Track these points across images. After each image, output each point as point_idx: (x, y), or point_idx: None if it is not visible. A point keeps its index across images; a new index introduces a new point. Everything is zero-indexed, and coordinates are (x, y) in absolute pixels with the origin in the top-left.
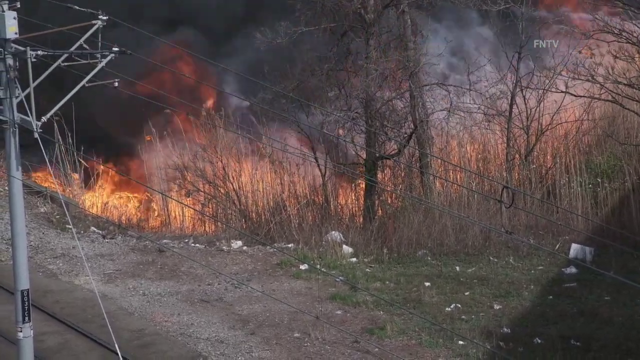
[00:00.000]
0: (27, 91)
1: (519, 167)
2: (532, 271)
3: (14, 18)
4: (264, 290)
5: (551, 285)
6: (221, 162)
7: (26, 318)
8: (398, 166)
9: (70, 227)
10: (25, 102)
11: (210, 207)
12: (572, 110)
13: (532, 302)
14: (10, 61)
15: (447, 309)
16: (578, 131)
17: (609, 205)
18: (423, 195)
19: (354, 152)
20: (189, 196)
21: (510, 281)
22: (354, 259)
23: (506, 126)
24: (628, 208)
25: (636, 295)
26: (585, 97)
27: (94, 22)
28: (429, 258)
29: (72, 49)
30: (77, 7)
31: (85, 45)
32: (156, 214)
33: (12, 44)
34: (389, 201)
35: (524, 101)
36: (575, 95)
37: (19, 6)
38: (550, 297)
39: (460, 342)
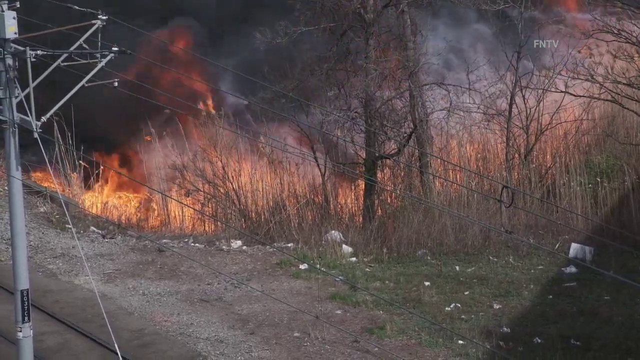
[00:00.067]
0: (26, 91)
1: (519, 167)
2: (532, 271)
3: (14, 18)
4: (264, 290)
5: (551, 285)
6: (221, 161)
7: (26, 318)
8: (398, 166)
9: (70, 226)
10: (24, 102)
11: (209, 206)
12: (572, 110)
13: (532, 302)
14: (9, 61)
15: (446, 308)
16: (577, 131)
17: (609, 205)
18: (423, 195)
19: (353, 152)
20: (188, 196)
21: (510, 281)
22: (354, 259)
23: (506, 126)
24: (627, 207)
25: (636, 294)
26: (585, 96)
27: (93, 22)
28: (429, 258)
29: (72, 48)
30: (77, 7)
31: (85, 45)
32: (156, 213)
33: (12, 44)
34: (389, 201)
35: (524, 101)
36: (574, 95)
37: (18, 6)
38: (550, 296)
39: (460, 342)
